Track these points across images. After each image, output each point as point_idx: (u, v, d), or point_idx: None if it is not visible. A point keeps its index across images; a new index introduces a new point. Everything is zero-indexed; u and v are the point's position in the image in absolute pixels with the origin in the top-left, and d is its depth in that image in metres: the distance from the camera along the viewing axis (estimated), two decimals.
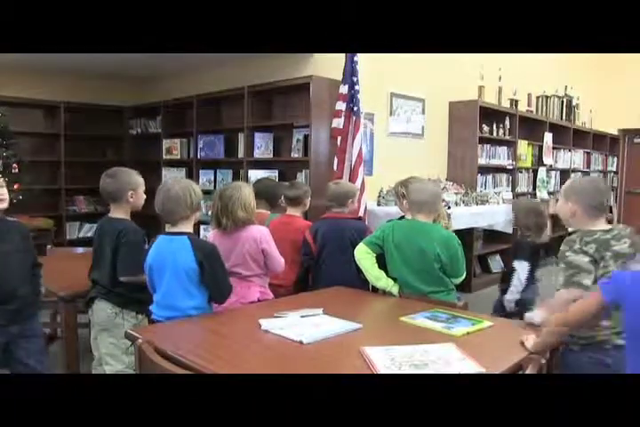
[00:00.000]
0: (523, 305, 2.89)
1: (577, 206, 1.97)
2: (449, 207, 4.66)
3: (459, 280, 2.53)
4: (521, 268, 2.89)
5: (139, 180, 2.48)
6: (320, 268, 2.93)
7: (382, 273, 2.54)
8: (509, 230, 5.39)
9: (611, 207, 9.55)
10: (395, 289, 2.49)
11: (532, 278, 2.93)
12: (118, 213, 2.46)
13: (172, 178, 4.79)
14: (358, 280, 2.72)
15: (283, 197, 3.24)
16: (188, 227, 2.22)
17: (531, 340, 1.74)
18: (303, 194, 3.19)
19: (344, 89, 4.15)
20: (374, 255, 2.57)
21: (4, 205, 2.18)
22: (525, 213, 3.07)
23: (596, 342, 1.86)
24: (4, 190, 2.19)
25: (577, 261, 1.91)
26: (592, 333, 1.86)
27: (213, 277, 2.15)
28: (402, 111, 5.39)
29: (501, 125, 6.31)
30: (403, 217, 2.79)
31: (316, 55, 4.67)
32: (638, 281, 1.45)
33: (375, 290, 2.68)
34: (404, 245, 2.48)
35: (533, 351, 1.68)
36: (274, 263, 2.51)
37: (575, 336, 1.90)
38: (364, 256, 2.56)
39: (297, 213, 3.20)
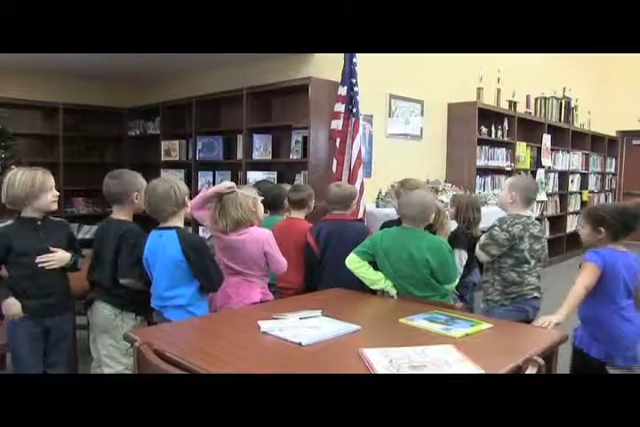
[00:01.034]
0: (464, 288, 3.33)
1: (517, 196, 2.74)
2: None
3: (450, 286, 2.54)
4: (459, 256, 3.23)
5: (143, 181, 2.50)
6: (323, 269, 2.92)
7: (379, 274, 2.53)
8: None
9: None
10: (393, 291, 2.48)
11: (470, 266, 3.36)
12: (121, 214, 2.46)
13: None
14: (359, 281, 2.72)
15: (286, 200, 3.24)
16: (177, 222, 2.33)
17: (550, 318, 2.14)
18: (307, 197, 3.19)
19: (343, 90, 4.15)
20: (366, 263, 2.57)
21: (55, 207, 2.38)
22: (466, 208, 3.44)
23: (521, 295, 2.71)
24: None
25: (497, 236, 2.69)
26: (518, 289, 2.70)
27: (200, 267, 2.25)
28: (401, 113, 5.39)
29: (500, 127, 6.32)
30: (399, 219, 2.79)
31: (315, 57, 4.67)
32: (612, 255, 2.28)
33: (374, 291, 2.67)
34: (394, 253, 2.48)
35: (563, 316, 2.16)
36: (276, 265, 2.53)
37: (507, 293, 2.71)
38: (357, 265, 2.56)
39: (300, 215, 3.20)
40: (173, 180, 2.40)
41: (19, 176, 2.27)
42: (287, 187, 3.46)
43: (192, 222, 5.20)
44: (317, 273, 2.95)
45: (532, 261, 2.73)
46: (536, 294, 2.74)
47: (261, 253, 2.47)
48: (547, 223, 7.53)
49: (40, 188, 2.29)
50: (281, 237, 3.01)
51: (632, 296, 2.32)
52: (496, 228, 2.72)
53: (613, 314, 2.29)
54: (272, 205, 3.30)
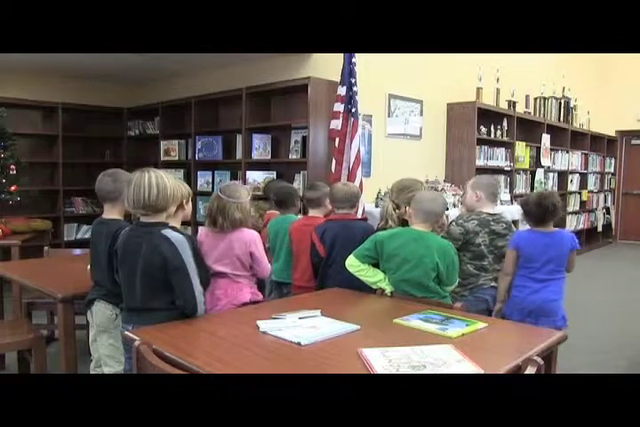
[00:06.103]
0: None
1: (482, 194, 2.97)
2: (447, 209, 4.65)
3: (451, 288, 2.53)
4: None
5: None
6: (329, 268, 2.91)
7: (379, 274, 2.52)
8: None
9: (608, 208, 9.61)
10: (388, 289, 2.48)
11: None
12: (112, 213, 2.45)
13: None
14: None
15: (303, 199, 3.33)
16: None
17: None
18: (322, 195, 3.20)
19: (342, 90, 4.15)
20: (366, 265, 2.56)
21: None
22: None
23: (478, 285, 2.90)
24: None
25: (452, 231, 2.90)
26: (475, 280, 2.90)
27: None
28: (400, 113, 5.39)
29: (499, 127, 6.33)
30: (387, 221, 2.80)
31: (314, 56, 4.67)
32: (525, 236, 2.77)
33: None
34: (400, 255, 2.45)
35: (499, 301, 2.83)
36: (260, 267, 2.52)
37: (464, 285, 2.87)
38: (357, 269, 2.55)
39: (318, 214, 3.22)
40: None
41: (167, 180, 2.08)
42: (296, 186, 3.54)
43: (191, 223, 5.21)
44: (324, 272, 2.95)
45: (491, 257, 2.92)
46: (493, 284, 2.92)
47: (247, 254, 2.47)
48: None
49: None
50: (298, 235, 3.04)
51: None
52: (453, 223, 2.94)
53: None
54: (283, 203, 3.34)
